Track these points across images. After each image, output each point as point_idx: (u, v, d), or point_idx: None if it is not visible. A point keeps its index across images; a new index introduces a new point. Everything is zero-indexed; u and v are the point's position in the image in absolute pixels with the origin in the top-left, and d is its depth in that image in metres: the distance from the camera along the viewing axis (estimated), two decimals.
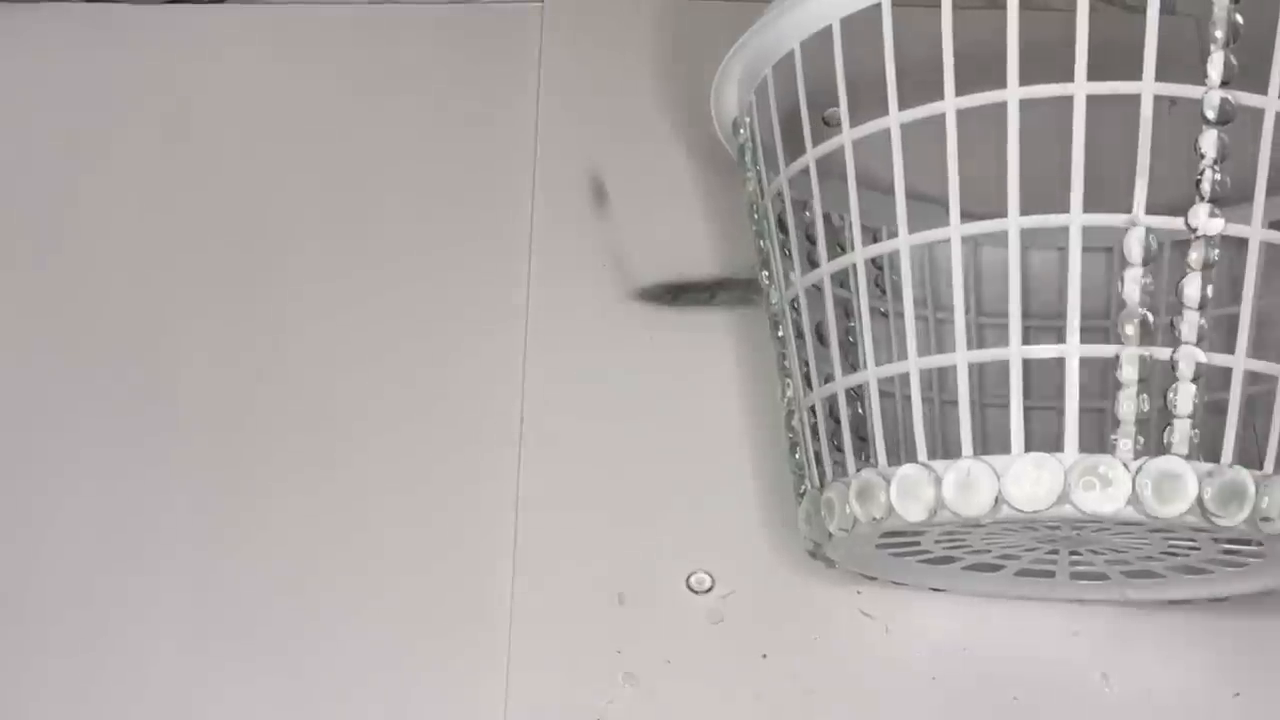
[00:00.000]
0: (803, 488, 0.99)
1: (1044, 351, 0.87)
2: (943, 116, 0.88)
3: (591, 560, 1.08)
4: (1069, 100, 0.84)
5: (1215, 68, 0.82)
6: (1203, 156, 0.83)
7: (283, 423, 1.13)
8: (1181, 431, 0.83)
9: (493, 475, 1.11)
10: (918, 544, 0.96)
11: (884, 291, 1.07)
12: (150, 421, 1.13)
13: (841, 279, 0.98)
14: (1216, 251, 0.83)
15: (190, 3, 1.27)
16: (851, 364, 0.96)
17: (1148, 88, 0.83)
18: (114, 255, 1.19)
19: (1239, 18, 0.82)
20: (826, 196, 0.96)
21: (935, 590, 1.05)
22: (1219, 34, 0.82)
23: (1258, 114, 0.83)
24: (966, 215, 0.87)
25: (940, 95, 0.87)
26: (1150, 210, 0.83)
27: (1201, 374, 0.84)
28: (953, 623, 1.06)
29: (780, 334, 1.00)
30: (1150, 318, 0.84)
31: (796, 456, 0.99)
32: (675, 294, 1.15)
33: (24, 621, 1.08)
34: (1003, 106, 0.86)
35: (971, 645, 1.05)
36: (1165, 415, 0.84)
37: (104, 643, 1.07)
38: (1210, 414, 0.86)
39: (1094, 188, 0.84)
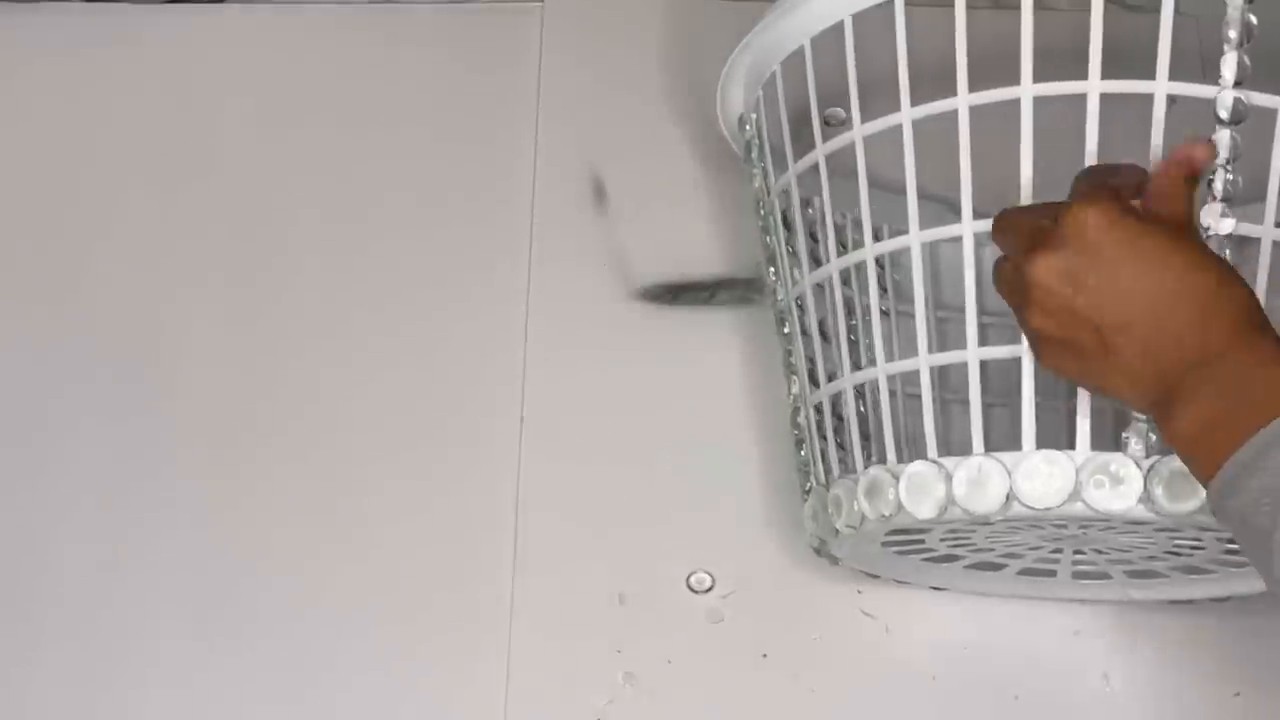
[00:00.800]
0: (808, 484, 0.99)
1: None
2: (946, 116, 0.88)
3: (591, 560, 1.08)
4: (1070, 100, 0.85)
5: (1229, 68, 0.83)
6: (1215, 156, 0.83)
7: (283, 423, 1.13)
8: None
9: (493, 475, 1.11)
10: (923, 542, 0.96)
11: (885, 290, 1.07)
12: (152, 420, 1.13)
13: (845, 277, 0.98)
14: (1228, 251, 0.83)
15: (190, 2, 1.26)
16: (856, 361, 0.96)
17: (1161, 87, 0.83)
18: (114, 254, 1.18)
19: (1253, 18, 0.83)
20: (829, 195, 0.96)
21: (936, 589, 1.06)
22: (1233, 34, 0.83)
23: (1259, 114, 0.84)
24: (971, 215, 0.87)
25: (938, 97, 0.88)
26: None
27: None
28: (954, 622, 1.06)
29: (786, 330, 1.00)
30: None
31: (802, 453, 1.00)
32: (675, 293, 1.15)
33: (26, 619, 1.08)
34: (1010, 106, 0.86)
35: (972, 645, 1.06)
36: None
37: (106, 639, 1.07)
38: None
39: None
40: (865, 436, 0.95)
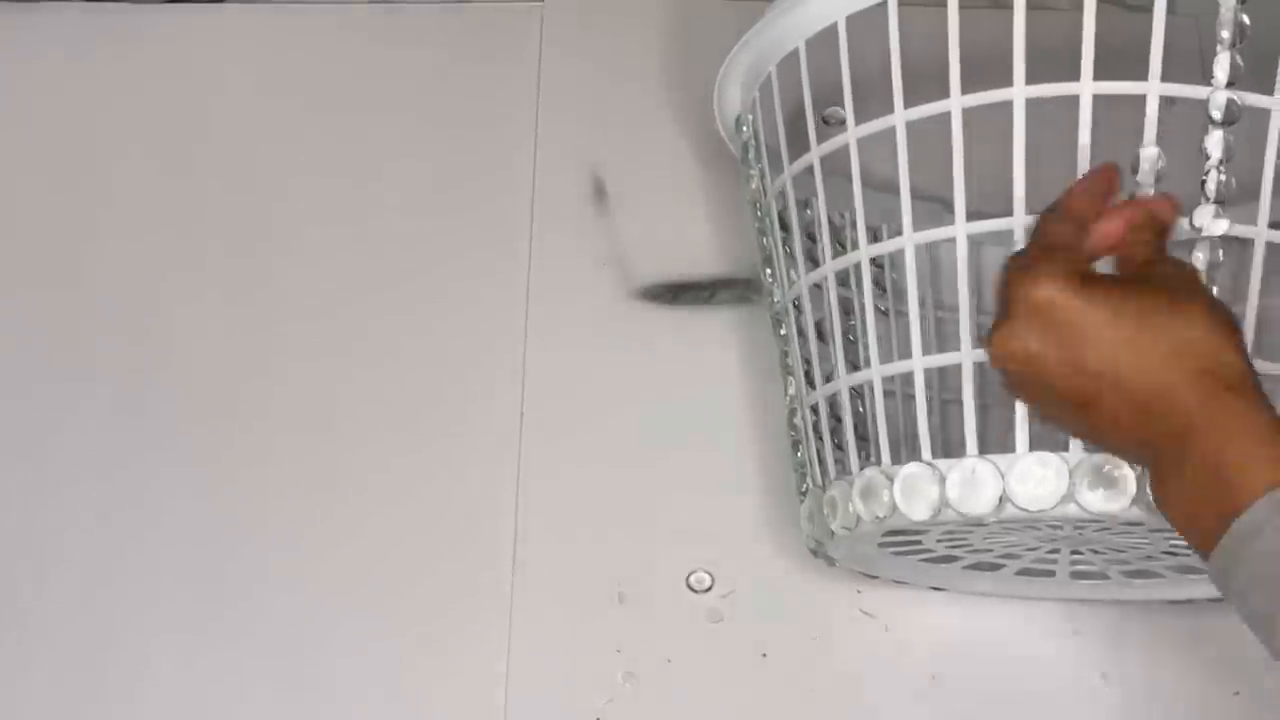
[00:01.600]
0: (805, 486, 0.99)
1: None
2: (944, 116, 0.88)
3: (591, 560, 1.08)
4: (1066, 100, 0.85)
5: (1222, 68, 0.82)
6: (1208, 157, 0.83)
7: (283, 423, 1.13)
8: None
9: (493, 475, 1.11)
10: (919, 543, 0.96)
11: (883, 290, 1.07)
12: (152, 417, 1.13)
13: (842, 278, 0.98)
14: (1221, 252, 0.83)
15: (190, 2, 1.27)
16: (853, 362, 0.96)
17: (1153, 88, 0.83)
18: (114, 253, 1.19)
19: (1245, 18, 0.82)
20: (827, 195, 0.96)
21: (935, 589, 1.05)
22: (1225, 34, 0.82)
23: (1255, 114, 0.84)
24: (967, 215, 0.87)
25: (938, 96, 0.88)
26: None
27: None
28: (953, 622, 1.06)
29: (783, 331, 1.00)
30: None
31: (799, 454, 1.00)
32: (675, 293, 1.15)
33: (23, 610, 1.09)
34: (1003, 107, 0.86)
35: (971, 645, 1.06)
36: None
37: (107, 635, 1.07)
38: None
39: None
40: (862, 438, 0.95)
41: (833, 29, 0.92)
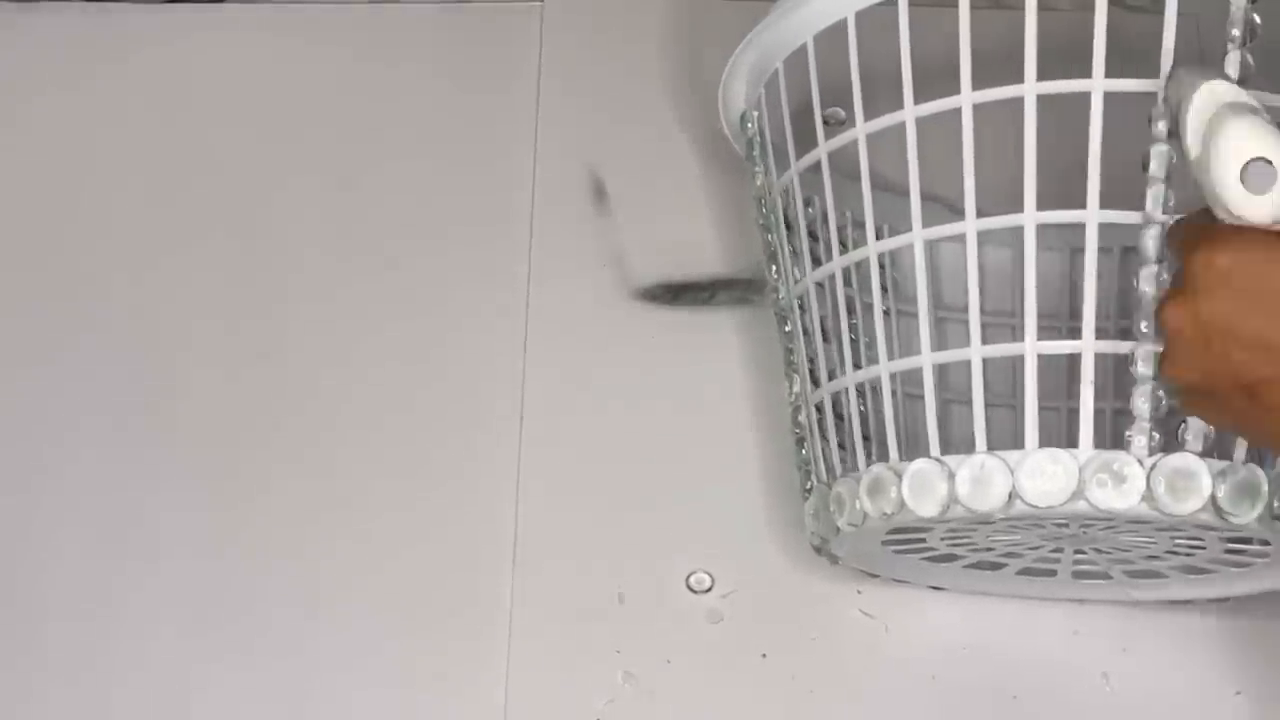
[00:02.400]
0: (809, 483, 0.99)
1: (1059, 347, 0.87)
2: (949, 116, 0.88)
3: (591, 560, 1.08)
4: (1068, 100, 0.85)
5: (1232, 67, 0.82)
6: None
7: (283, 424, 1.13)
8: (1196, 428, 0.83)
9: (493, 475, 1.11)
10: (923, 540, 0.96)
11: (885, 289, 1.07)
12: (151, 420, 1.13)
13: (846, 276, 0.98)
14: None
15: (190, 2, 1.26)
16: (857, 360, 0.96)
17: (1162, 86, 0.83)
18: (113, 253, 1.19)
19: (1256, 17, 0.83)
20: (832, 193, 0.96)
21: (936, 589, 1.06)
22: (1236, 33, 0.82)
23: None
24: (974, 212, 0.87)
25: (942, 96, 0.88)
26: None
27: None
28: (953, 622, 1.06)
29: (787, 329, 1.00)
30: None
31: (803, 452, 1.00)
32: (675, 294, 1.15)
33: (24, 621, 1.08)
34: (1011, 106, 0.86)
35: (972, 644, 1.06)
36: (1179, 412, 0.84)
37: (104, 641, 1.07)
38: None
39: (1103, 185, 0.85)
40: (865, 436, 0.95)
41: (840, 26, 0.92)
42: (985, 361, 0.88)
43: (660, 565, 1.08)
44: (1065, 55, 0.86)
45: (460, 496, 1.10)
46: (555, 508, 1.10)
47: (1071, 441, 0.84)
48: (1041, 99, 0.85)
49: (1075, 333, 0.85)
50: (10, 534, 1.10)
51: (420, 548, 1.09)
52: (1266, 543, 0.91)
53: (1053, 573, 1.02)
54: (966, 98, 0.87)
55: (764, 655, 1.06)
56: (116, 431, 1.13)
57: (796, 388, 1.00)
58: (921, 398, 0.89)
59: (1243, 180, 0.73)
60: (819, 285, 0.97)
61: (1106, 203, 0.84)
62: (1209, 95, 0.76)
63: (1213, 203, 0.75)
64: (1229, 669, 1.04)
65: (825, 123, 0.97)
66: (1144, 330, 0.83)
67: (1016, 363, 0.87)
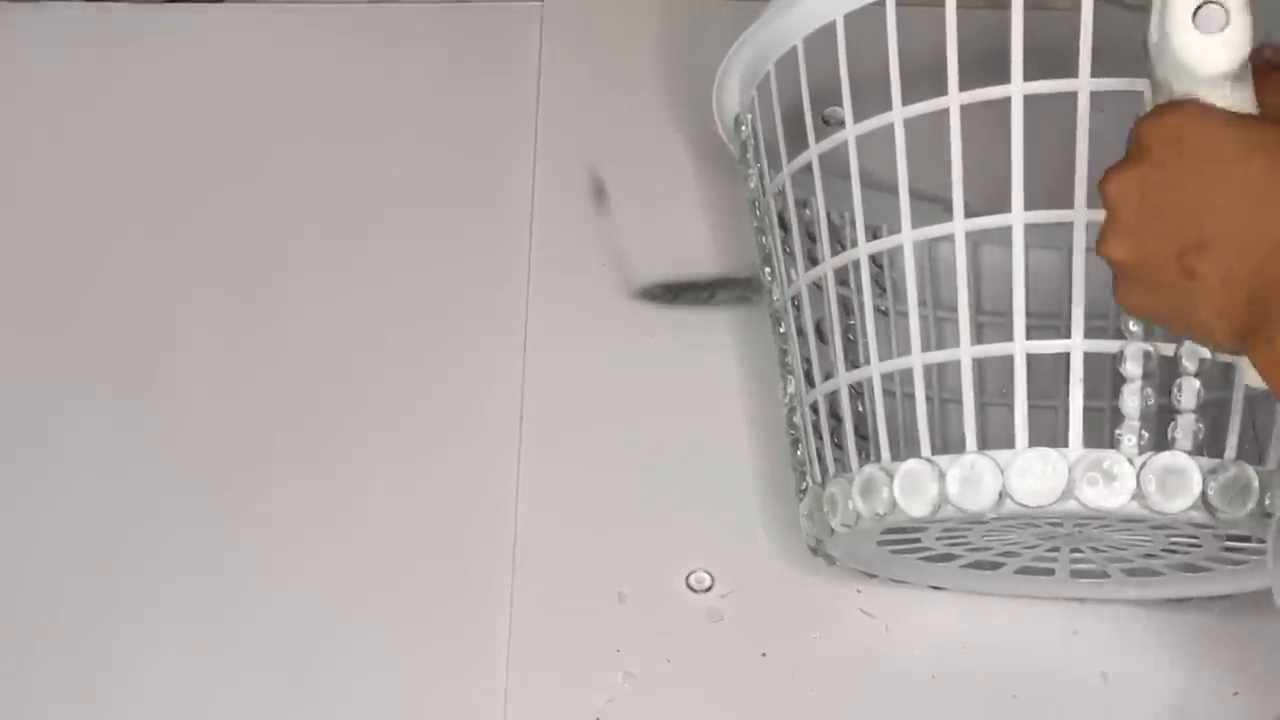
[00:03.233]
0: (804, 484, 0.99)
1: (1048, 346, 0.87)
2: (940, 116, 0.88)
3: (591, 560, 1.08)
4: (1064, 100, 0.85)
5: None
6: None
7: (283, 424, 1.13)
8: (1185, 427, 0.83)
9: (493, 475, 1.11)
10: (919, 541, 0.96)
11: (883, 290, 1.07)
12: (151, 423, 1.14)
13: (842, 277, 0.98)
14: None
15: (190, 2, 1.27)
16: (852, 361, 0.96)
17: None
18: (114, 254, 1.19)
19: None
20: (826, 194, 0.96)
21: (935, 589, 1.05)
22: None
23: None
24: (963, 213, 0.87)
25: (934, 96, 0.88)
26: None
27: (1205, 370, 0.84)
28: (952, 621, 1.06)
29: (782, 330, 1.00)
30: None
31: (798, 453, 0.99)
32: (675, 293, 1.15)
33: (27, 627, 1.09)
34: (1001, 106, 0.86)
35: (971, 644, 1.05)
36: (1169, 411, 0.84)
37: (104, 645, 1.07)
38: (1209, 411, 0.86)
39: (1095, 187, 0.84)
40: (861, 436, 0.95)
41: (830, 28, 0.92)
42: (986, 361, 0.88)
43: (660, 565, 1.08)
44: (1061, 55, 0.85)
45: (460, 496, 1.10)
46: (555, 507, 1.10)
47: (1064, 441, 0.84)
48: (1048, 98, 0.85)
49: None
50: (12, 535, 1.11)
51: (420, 548, 1.09)
52: (1262, 540, 0.90)
53: (1050, 572, 1.02)
54: (954, 98, 0.86)
55: (764, 655, 1.06)
56: (116, 433, 1.13)
57: (791, 389, 1.00)
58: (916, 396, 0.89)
59: (1195, 24, 0.72)
60: (814, 286, 0.97)
61: (1096, 202, 0.83)
62: None
63: (1171, 72, 0.73)
64: (1228, 668, 1.03)
65: (826, 122, 0.97)
66: (1132, 329, 0.83)
67: (1012, 361, 0.87)
